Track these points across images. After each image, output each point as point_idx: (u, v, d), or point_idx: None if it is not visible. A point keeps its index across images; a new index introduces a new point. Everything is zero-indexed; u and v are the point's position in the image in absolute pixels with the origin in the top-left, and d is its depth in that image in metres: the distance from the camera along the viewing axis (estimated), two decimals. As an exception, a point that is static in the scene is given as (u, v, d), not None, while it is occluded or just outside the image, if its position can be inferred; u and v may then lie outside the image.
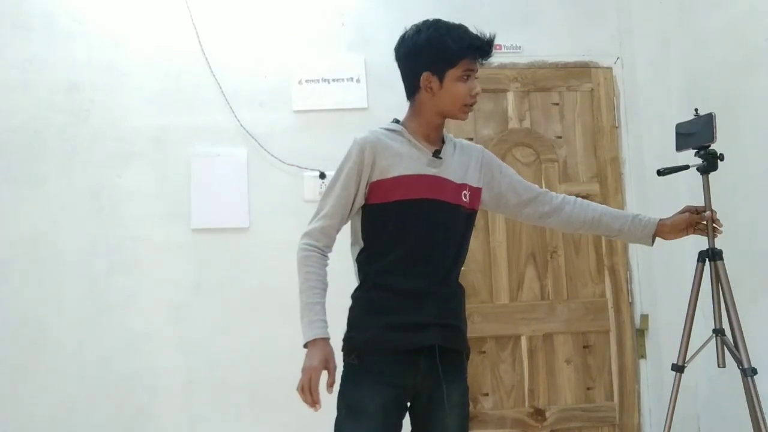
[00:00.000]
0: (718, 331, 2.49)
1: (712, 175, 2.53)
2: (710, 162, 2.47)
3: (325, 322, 1.78)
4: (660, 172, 2.54)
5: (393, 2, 3.37)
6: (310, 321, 1.76)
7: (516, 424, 3.28)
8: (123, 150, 3.21)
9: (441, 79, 1.82)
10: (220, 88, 3.27)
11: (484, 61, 1.86)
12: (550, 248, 3.39)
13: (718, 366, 2.51)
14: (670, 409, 2.54)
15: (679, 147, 2.57)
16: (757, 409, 2.35)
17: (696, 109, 2.50)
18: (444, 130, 1.95)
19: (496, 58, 3.43)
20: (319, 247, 1.82)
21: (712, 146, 2.46)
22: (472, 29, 1.85)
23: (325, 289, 1.82)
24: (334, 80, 3.35)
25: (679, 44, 3.41)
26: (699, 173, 2.49)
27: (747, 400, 2.37)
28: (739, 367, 2.38)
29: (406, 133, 1.87)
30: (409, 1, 3.30)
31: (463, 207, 1.89)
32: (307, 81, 3.34)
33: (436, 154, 1.86)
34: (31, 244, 3.11)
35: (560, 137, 3.46)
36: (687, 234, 2.13)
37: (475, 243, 3.34)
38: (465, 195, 1.90)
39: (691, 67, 3.34)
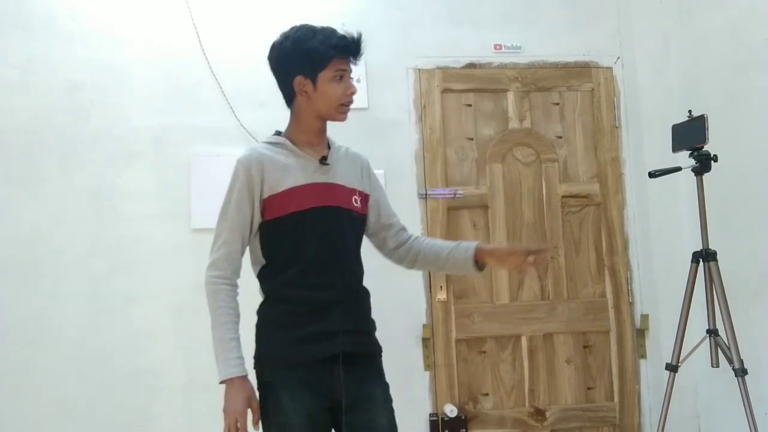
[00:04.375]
0: (712, 332, 2.50)
1: (710, 175, 2.54)
2: (703, 163, 2.49)
3: (242, 358, 1.80)
4: (652, 174, 2.56)
5: (393, 2, 3.37)
6: (226, 359, 1.79)
7: (516, 424, 3.28)
8: (123, 150, 3.21)
9: (314, 82, 1.83)
10: (220, 88, 3.27)
11: (356, 61, 1.88)
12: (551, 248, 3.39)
13: (712, 366, 2.52)
14: (664, 407, 2.57)
15: (675, 148, 2.59)
16: (746, 408, 2.36)
17: (690, 111, 2.51)
18: (329, 135, 1.94)
19: (496, 58, 3.46)
20: (226, 277, 1.83)
21: (706, 147, 2.47)
22: (340, 30, 1.87)
23: (237, 322, 1.83)
24: (334, 80, 3.34)
25: (679, 44, 3.42)
26: (693, 174, 2.50)
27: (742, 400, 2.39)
28: (731, 367, 2.40)
29: (288, 144, 1.87)
30: (409, 1, 3.29)
31: (355, 212, 1.89)
32: (307, 81, 3.33)
33: (323, 160, 1.86)
34: (31, 244, 3.10)
35: (560, 137, 3.47)
36: (506, 267, 2.05)
37: (475, 243, 3.35)
38: (356, 200, 1.89)
39: (691, 67, 3.34)
